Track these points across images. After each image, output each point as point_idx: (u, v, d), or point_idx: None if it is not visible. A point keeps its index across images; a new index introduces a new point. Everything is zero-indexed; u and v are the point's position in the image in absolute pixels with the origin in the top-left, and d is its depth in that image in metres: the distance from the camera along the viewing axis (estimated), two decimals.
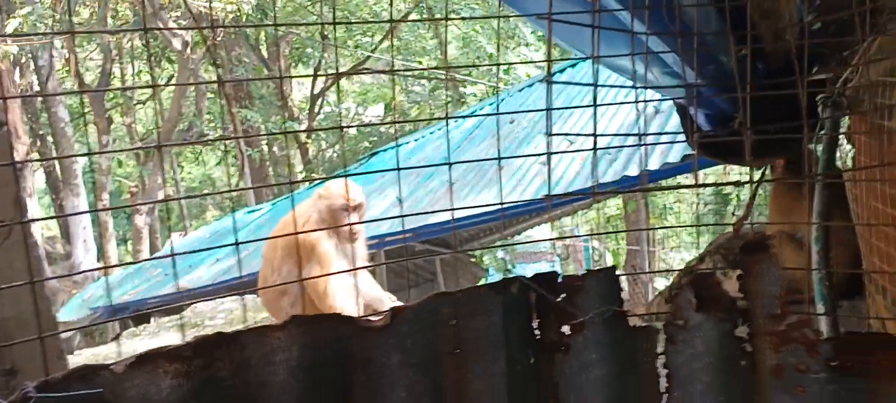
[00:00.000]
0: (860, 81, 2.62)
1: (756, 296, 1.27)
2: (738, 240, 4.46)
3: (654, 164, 4.97)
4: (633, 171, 5.05)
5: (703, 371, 1.33)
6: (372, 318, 1.21)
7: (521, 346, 1.33)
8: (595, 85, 1.32)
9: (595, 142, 1.39)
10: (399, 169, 1.36)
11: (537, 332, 1.34)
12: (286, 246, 4.05)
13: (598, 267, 1.32)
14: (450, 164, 1.47)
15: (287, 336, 1.14)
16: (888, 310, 2.60)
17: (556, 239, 15.90)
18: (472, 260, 9.61)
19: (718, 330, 1.32)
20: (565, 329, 1.34)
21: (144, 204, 12.53)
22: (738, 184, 2.07)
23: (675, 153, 4.81)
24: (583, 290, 1.32)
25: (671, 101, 3.92)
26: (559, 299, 1.33)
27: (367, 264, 4.36)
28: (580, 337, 1.34)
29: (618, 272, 1.36)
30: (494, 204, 5.06)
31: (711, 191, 11.69)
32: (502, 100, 8.43)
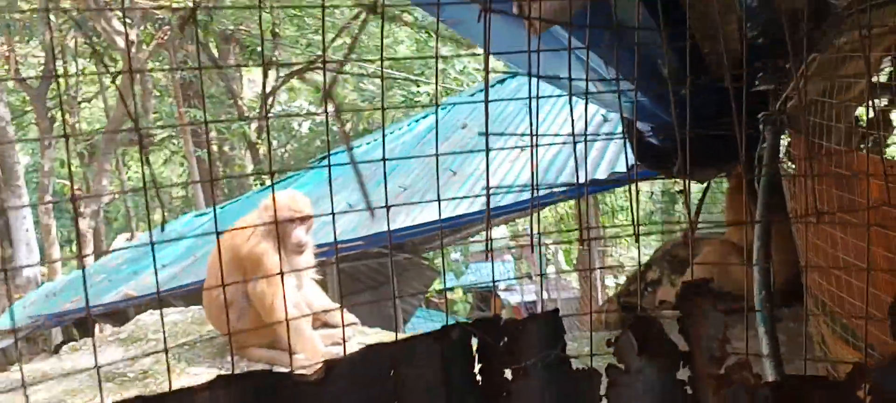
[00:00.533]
0: (798, 100, 2.67)
1: (697, 340, 1.27)
2: (684, 248, 4.49)
3: (602, 173, 4.99)
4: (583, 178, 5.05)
5: None
6: (305, 372, 1.17)
7: (462, 393, 1.30)
8: (533, 133, 1.30)
9: (534, 184, 1.36)
10: (330, 210, 1.32)
11: (479, 378, 1.32)
12: (231, 258, 3.96)
13: (539, 312, 1.29)
14: (370, 209, 1.42)
15: (212, 396, 1.09)
16: (827, 325, 2.66)
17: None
18: (425, 262, 9.57)
19: (660, 373, 1.31)
20: (507, 374, 1.31)
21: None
22: (673, 226, 2.07)
23: (622, 163, 4.85)
24: (525, 334, 1.29)
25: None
26: (501, 344, 1.30)
27: (315, 276, 4.30)
28: (522, 383, 1.31)
29: (562, 314, 1.34)
30: (433, 221, 5.04)
31: (660, 192, 11.90)
32: (454, 105, 8.40)
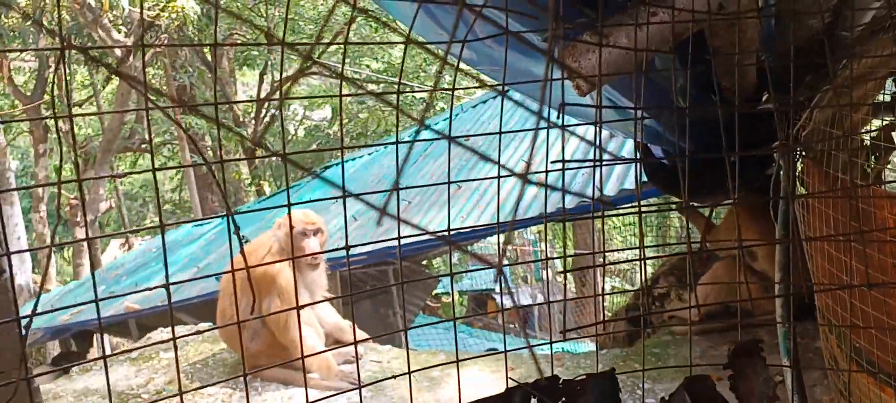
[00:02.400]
0: (811, 127, 2.74)
1: (747, 397, 1.32)
2: (692, 261, 4.48)
3: (610, 190, 5.05)
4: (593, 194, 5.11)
5: None
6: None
7: None
8: (599, 163, 1.35)
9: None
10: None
11: None
12: (245, 278, 4.00)
13: (597, 372, 1.34)
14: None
15: None
16: (839, 348, 2.73)
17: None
18: (424, 268, 9.63)
19: None
20: None
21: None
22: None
23: (631, 180, 4.91)
24: (584, 394, 1.34)
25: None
26: None
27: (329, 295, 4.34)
28: None
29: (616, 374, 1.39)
30: (442, 231, 5.10)
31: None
32: (456, 115, 8.42)
